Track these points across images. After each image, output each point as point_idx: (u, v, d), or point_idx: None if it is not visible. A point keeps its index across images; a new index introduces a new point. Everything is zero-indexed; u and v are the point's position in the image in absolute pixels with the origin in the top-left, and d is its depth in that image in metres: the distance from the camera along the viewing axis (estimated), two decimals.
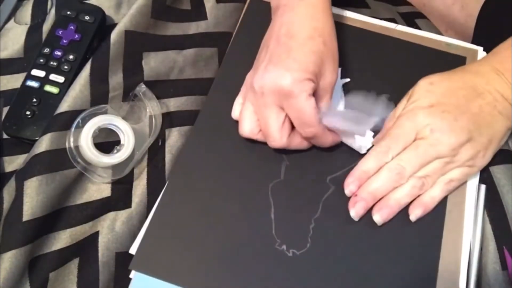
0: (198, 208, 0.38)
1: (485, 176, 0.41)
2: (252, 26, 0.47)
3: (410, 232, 0.38)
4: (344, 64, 0.46)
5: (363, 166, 0.39)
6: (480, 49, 0.48)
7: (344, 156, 0.41)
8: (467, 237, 0.38)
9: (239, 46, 0.46)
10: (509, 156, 0.42)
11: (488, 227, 0.39)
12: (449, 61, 0.46)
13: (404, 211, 0.38)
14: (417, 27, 0.52)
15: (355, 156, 0.41)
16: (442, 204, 0.39)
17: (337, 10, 0.49)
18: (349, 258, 0.37)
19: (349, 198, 0.39)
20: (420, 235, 0.38)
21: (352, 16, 0.49)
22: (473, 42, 0.49)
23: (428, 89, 0.39)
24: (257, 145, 0.41)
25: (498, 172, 0.41)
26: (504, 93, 0.39)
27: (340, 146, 0.41)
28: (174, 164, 0.41)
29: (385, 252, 0.37)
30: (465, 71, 0.41)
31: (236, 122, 0.41)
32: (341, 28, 0.48)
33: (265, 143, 0.40)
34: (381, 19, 0.50)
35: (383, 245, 0.37)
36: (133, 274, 0.36)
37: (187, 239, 0.37)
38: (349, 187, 0.38)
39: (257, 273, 0.36)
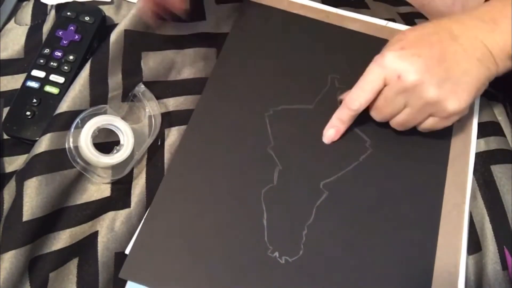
0: (189, 215, 0.38)
1: (486, 175, 0.41)
2: (246, 27, 0.47)
3: (403, 238, 0.38)
4: (336, 67, 0.46)
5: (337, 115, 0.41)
6: None
7: (337, 162, 0.41)
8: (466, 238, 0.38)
9: (232, 47, 0.46)
10: (509, 155, 0.42)
11: (489, 226, 0.39)
12: None
13: (398, 217, 0.38)
14: None
15: (349, 161, 0.41)
16: (437, 206, 0.39)
17: (336, 11, 0.49)
18: (342, 264, 0.36)
19: (343, 204, 0.39)
20: (414, 241, 0.38)
21: (350, 15, 0.49)
22: None
23: (400, 37, 0.38)
24: (250, 151, 0.41)
25: (499, 171, 0.41)
26: (484, 40, 0.36)
27: (334, 152, 0.41)
28: (166, 172, 0.40)
29: (378, 258, 0.37)
30: (442, 18, 0.39)
31: (229, 127, 0.42)
32: (339, 32, 0.48)
33: (259, 146, 0.40)
34: (380, 19, 0.50)
35: (376, 251, 0.37)
36: (128, 285, 0.36)
37: (178, 247, 0.37)
38: (328, 133, 0.41)
39: (250, 280, 0.36)
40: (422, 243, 0.37)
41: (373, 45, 0.47)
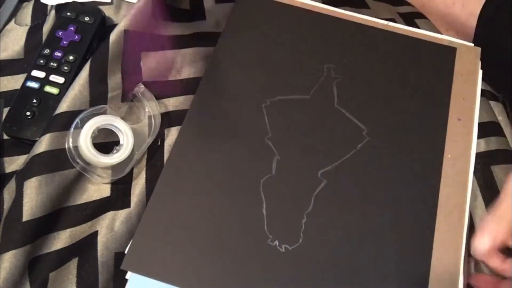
0: (189, 206, 0.38)
1: (486, 175, 0.41)
2: (240, 24, 0.47)
3: (401, 225, 0.38)
4: (332, 57, 0.46)
5: None
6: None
7: (335, 150, 0.41)
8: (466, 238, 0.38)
9: (227, 40, 0.46)
10: (510, 156, 0.42)
11: None
12: (438, 52, 0.46)
13: (396, 205, 0.39)
14: (417, 27, 0.52)
15: (347, 149, 0.41)
16: (434, 193, 0.39)
17: (337, 10, 0.50)
18: (341, 252, 0.37)
19: (341, 192, 0.39)
20: (413, 230, 0.38)
21: (351, 14, 0.49)
22: (474, 41, 0.49)
23: None
24: (247, 142, 0.41)
25: (499, 172, 0.41)
26: None
27: (331, 140, 0.41)
28: (164, 165, 0.40)
29: (377, 245, 0.37)
30: None
31: (226, 118, 0.42)
32: (335, 22, 0.48)
33: (257, 137, 0.41)
34: (380, 19, 0.49)
35: (375, 239, 0.38)
36: (129, 275, 0.36)
37: (179, 237, 0.37)
38: None
39: (250, 269, 0.36)
40: (419, 229, 0.38)
41: (369, 35, 0.48)
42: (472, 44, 0.47)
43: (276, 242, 0.37)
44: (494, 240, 0.34)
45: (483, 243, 0.34)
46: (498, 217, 0.34)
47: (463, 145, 0.42)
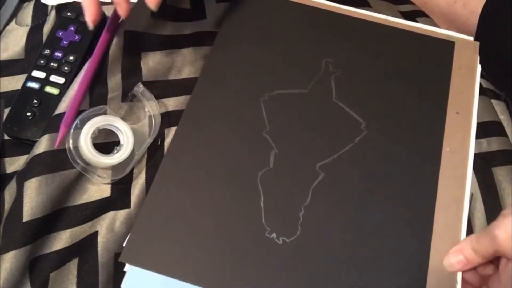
0: (187, 199, 0.38)
1: (487, 177, 0.41)
2: (238, 18, 0.47)
3: (401, 219, 0.38)
4: (330, 51, 0.46)
5: None
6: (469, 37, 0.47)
7: (333, 144, 0.41)
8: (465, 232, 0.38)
9: (225, 38, 0.46)
10: (511, 156, 0.41)
11: None
12: (437, 46, 0.46)
13: (395, 198, 0.39)
14: None
15: (345, 142, 0.41)
16: (432, 188, 0.39)
17: (336, 5, 0.49)
18: (339, 245, 0.37)
19: (338, 185, 0.39)
20: (411, 223, 0.38)
21: (350, 9, 0.49)
22: (475, 40, 0.48)
23: None
24: (245, 135, 0.41)
25: (500, 174, 0.41)
26: None
27: (329, 134, 0.41)
28: (163, 159, 0.40)
29: (375, 238, 0.37)
30: None
31: (224, 112, 0.42)
32: (333, 17, 0.48)
33: (255, 131, 0.41)
34: None
35: (373, 232, 0.37)
36: (127, 268, 0.36)
37: (177, 230, 0.37)
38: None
39: (248, 261, 0.36)
40: (418, 222, 0.38)
41: (367, 29, 0.47)
42: (471, 38, 0.47)
43: (274, 235, 0.37)
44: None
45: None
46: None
47: (462, 139, 0.41)
